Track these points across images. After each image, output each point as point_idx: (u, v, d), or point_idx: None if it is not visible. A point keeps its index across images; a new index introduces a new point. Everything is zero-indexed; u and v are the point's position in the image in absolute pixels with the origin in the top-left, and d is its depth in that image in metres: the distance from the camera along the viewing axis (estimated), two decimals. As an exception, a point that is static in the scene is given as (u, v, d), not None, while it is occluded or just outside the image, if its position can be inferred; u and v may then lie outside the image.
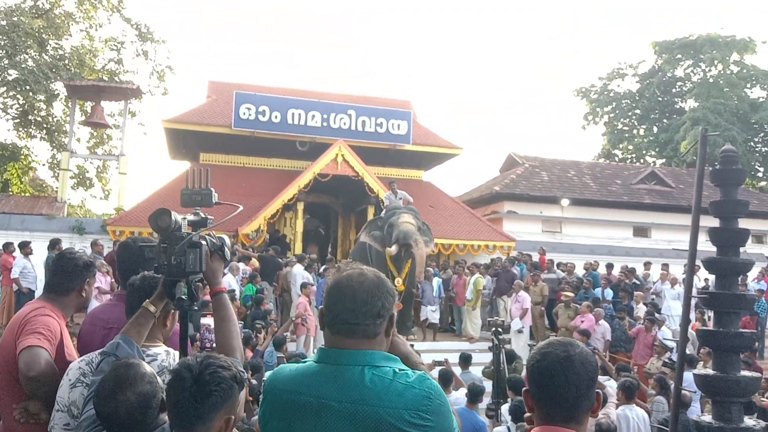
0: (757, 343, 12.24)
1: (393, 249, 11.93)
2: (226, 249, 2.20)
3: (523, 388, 1.75)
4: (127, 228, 14.44)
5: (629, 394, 6.60)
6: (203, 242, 2.08)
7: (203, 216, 2.22)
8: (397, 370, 1.68)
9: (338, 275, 1.79)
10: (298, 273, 12.41)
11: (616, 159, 35.36)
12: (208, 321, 2.28)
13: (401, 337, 1.97)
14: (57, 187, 19.90)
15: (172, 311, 2.27)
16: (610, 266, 15.18)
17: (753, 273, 15.69)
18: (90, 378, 2.19)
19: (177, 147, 19.21)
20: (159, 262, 2.07)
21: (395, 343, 1.89)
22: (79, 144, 24.03)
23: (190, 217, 2.19)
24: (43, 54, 21.83)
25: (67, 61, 22.14)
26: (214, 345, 2.28)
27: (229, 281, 11.14)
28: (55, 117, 24.64)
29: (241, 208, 2.30)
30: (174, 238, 2.04)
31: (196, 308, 2.15)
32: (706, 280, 14.25)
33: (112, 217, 16.51)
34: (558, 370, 1.64)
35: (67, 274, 2.71)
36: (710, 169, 5.68)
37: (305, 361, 1.80)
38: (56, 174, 19.11)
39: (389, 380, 1.64)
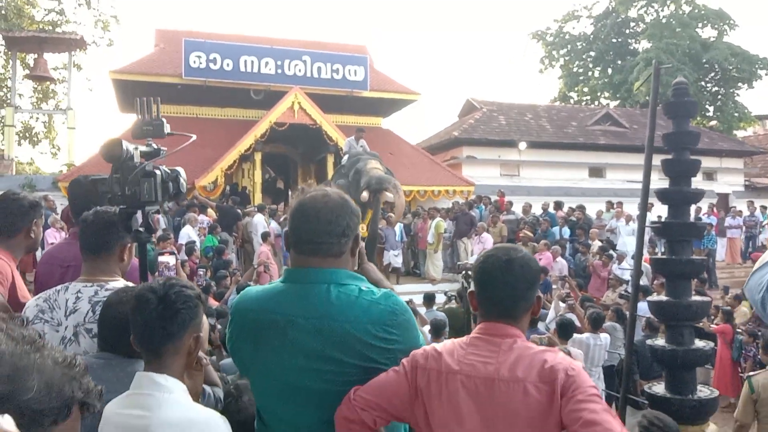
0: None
1: (365, 195, 11.74)
2: (181, 180, 2.14)
3: (469, 290, 1.84)
4: (80, 183, 14.02)
5: (595, 325, 6.86)
6: (157, 171, 2.01)
7: (156, 147, 2.15)
8: (362, 287, 1.70)
9: (302, 197, 1.77)
10: (259, 222, 12.33)
11: (572, 102, 35.61)
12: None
13: (372, 265, 1.98)
14: (3, 144, 19.13)
15: (129, 245, 2.20)
16: (558, 204, 15.44)
17: (704, 209, 16.24)
18: (48, 315, 2.12)
19: (126, 99, 18.48)
20: (113, 194, 2.00)
21: (366, 270, 1.91)
22: (22, 99, 23.05)
23: (143, 148, 2.12)
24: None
25: (3, 11, 21.00)
26: None
27: (189, 233, 11.01)
28: (-5, 71, 23.57)
29: (194, 137, 2.23)
30: (126, 168, 1.98)
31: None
32: (659, 216, 14.55)
33: (63, 173, 15.99)
34: (497, 271, 1.70)
35: (13, 216, 2.60)
36: (662, 104, 5.77)
37: (272, 283, 1.80)
38: (1, 130, 18.32)
39: (355, 297, 1.65)
